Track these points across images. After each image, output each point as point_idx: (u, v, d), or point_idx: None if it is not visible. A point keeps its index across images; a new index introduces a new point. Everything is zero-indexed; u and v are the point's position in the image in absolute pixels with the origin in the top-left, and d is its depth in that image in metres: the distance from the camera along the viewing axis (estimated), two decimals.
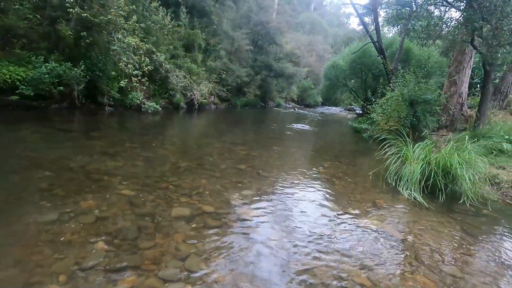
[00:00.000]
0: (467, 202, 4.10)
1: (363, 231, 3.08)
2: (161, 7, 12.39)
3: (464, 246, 3.00)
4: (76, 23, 8.58)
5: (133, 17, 9.79)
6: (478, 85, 11.58)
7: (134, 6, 9.83)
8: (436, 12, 8.43)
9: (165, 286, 1.93)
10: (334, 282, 2.18)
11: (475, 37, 7.10)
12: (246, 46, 20.26)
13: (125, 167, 4.22)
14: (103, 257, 2.12)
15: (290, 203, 3.64)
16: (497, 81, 10.28)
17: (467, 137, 4.99)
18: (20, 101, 7.48)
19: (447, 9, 8.50)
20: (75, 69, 8.36)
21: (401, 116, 8.59)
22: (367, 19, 17.90)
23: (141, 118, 9.77)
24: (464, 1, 7.56)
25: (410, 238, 3.06)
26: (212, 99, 16.37)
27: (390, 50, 15.41)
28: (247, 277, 2.12)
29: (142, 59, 9.82)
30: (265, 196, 3.75)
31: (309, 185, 4.43)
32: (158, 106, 11.20)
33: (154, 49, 11.04)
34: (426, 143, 4.97)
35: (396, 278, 2.33)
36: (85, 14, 8.27)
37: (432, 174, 4.37)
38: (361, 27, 22.04)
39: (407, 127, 7.80)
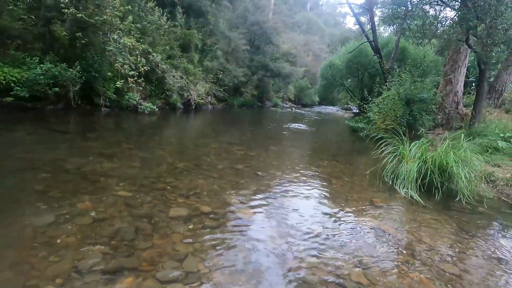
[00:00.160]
0: (463, 200, 4.13)
1: (360, 229, 3.09)
2: (157, 7, 12.33)
3: (460, 244, 3.02)
4: (71, 23, 8.51)
5: (129, 17, 9.74)
6: (473, 84, 11.68)
7: (129, 6, 9.77)
8: (431, 12, 8.48)
9: (163, 287, 1.93)
10: (332, 281, 2.18)
11: (470, 36, 7.16)
12: (242, 46, 20.24)
13: (121, 168, 4.20)
14: (100, 259, 2.11)
15: (288, 203, 3.64)
16: (492, 79, 10.37)
17: (462, 135, 5.03)
18: (15, 103, 7.41)
19: (442, 9, 8.55)
20: (71, 70, 8.29)
21: (398, 115, 8.64)
22: (363, 19, 17.99)
23: (137, 118, 9.73)
24: (459, 1, 7.61)
25: (407, 236, 3.07)
26: (209, 99, 16.33)
27: (386, 49, 15.48)
28: (245, 277, 2.12)
29: (138, 59, 9.77)
30: (262, 196, 3.75)
31: (307, 185, 4.44)
32: (154, 107, 11.16)
33: (150, 50, 10.99)
34: (423, 141, 5.01)
35: (393, 275, 2.34)
36: (80, 15, 8.21)
37: (429, 173, 4.40)
38: (357, 26, 22.15)
39: (403, 126, 7.86)
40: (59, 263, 2.02)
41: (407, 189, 4.31)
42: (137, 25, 10.53)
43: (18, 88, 7.38)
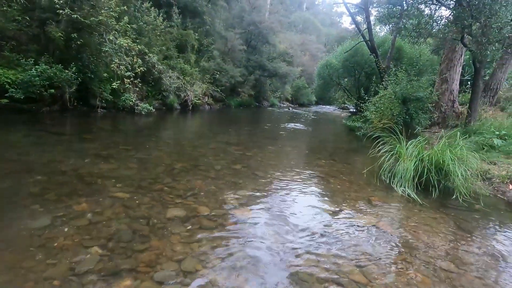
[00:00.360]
0: (460, 198, 4.15)
1: (358, 228, 3.10)
2: (152, 7, 12.29)
3: (457, 241, 3.04)
4: (66, 24, 8.45)
5: (125, 18, 9.68)
6: (469, 82, 11.75)
7: (125, 7, 9.72)
8: (427, 11, 8.52)
9: None
10: (330, 280, 2.19)
11: (465, 35, 7.20)
12: (239, 46, 20.24)
13: (118, 169, 4.18)
14: (97, 261, 2.10)
15: (286, 202, 3.64)
16: (487, 78, 10.44)
17: (458, 133, 5.06)
18: (10, 105, 7.35)
19: (437, 8, 8.60)
20: (66, 71, 8.24)
21: (394, 114, 8.68)
22: (359, 18, 18.05)
23: (134, 119, 9.69)
24: (454, 0, 7.66)
25: (404, 234, 3.09)
26: (206, 100, 16.31)
27: (382, 48, 15.54)
28: (244, 277, 2.12)
29: (135, 60, 9.72)
30: (260, 196, 3.75)
31: (304, 184, 4.44)
32: (151, 108, 11.12)
33: (146, 50, 10.95)
34: (419, 140, 5.03)
35: (392, 274, 2.35)
36: (75, 15, 8.16)
37: (425, 171, 4.42)
38: (353, 26, 22.23)
39: (400, 124, 7.89)
40: (56, 265, 2.01)
41: (404, 187, 4.33)
42: (133, 25, 10.48)
43: (13, 90, 7.32)
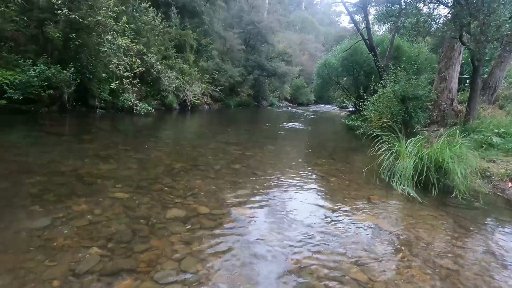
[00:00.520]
0: (459, 196, 4.16)
1: (358, 227, 3.10)
2: (151, 7, 12.27)
3: (457, 239, 3.05)
4: (64, 25, 8.42)
5: (123, 18, 9.67)
6: (468, 81, 11.77)
7: (123, 7, 9.71)
8: (425, 9, 8.53)
9: None
10: (331, 279, 2.19)
11: (464, 33, 7.21)
12: (238, 45, 20.23)
13: (118, 169, 4.17)
14: (97, 262, 2.09)
15: (286, 202, 3.64)
16: (485, 76, 10.45)
17: (457, 132, 5.06)
18: (9, 105, 7.33)
19: (435, 6, 8.59)
20: (65, 71, 8.22)
21: (393, 113, 8.69)
22: (357, 17, 18.03)
23: (133, 120, 9.67)
24: None
25: (404, 232, 3.09)
26: (205, 100, 16.30)
27: (381, 47, 15.57)
28: (244, 276, 2.11)
29: (133, 60, 9.70)
30: (260, 196, 3.75)
31: (304, 183, 4.44)
32: (150, 108, 11.11)
33: (145, 50, 10.93)
34: (418, 138, 5.03)
35: (392, 272, 2.35)
36: (73, 16, 8.14)
37: (425, 169, 4.42)
38: (352, 25, 22.21)
39: (399, 123, 7.90)
40: (56, 266, 2.00)
41: (404, 186, 4.33)
42: (131, 25, 10.45)
43: (12, 90, 7.30)
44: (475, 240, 3.10)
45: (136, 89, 10.67)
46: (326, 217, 3.31)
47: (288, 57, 27.74)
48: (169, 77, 12.66)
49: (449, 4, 7.75)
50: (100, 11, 8.73)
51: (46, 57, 8.29)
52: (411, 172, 4.41)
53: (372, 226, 3.15)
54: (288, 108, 25.57)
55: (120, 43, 9.23)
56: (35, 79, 7.59)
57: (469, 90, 8.72)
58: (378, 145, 5.35)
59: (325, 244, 2.69)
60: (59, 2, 7.98)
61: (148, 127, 9.06)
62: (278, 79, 25.05)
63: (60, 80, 8.14)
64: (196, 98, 14.42)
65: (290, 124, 12.60)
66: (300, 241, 2.70)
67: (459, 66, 9.67)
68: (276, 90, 27.99)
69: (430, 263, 2.53)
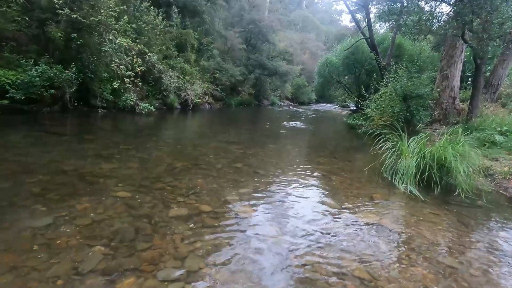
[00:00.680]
0: (462, 194, 4.15)
1: (360, 225, 3.09)
2: (152, 7, 12.27)
3: (460, 237, 3.04)
4: (66, 24, 8.43)
5: (124, 17, 9.67)
6: (470, 79, 11.72)
7: (124, 7, 9.70)
8: (427, 7, 8.49)
9: (165, 286, 1.92)
10: (334, 277, 2.18)
11: (466, 31, 7.17)
12: (239, 45, 20.20)
13: (120, 169, 4.18)
14: (100, 260, 2.10)
15: (288, 200, 3.64)
16: (488, 74, 10.40)
17: (460, 130, 5.04)
18: (11, 105, 7.33)
19: (437, 4, 8.56)
20: (66, 71, 8.23)
21: (395, 111, 8.67)
22: (359, 16, 17.98)
23: (135, 119, 9.68)
24: None
25: (407, 230, 3.08)
26: (206, 99, 16.30)
27: (383, 46, 15.50)
28: (247, 274, 2.11)
29: (135, 60, 9.70)
30: (262, 194, 3.75)
31: (306, 182, 4.44)
32: (152, 107, 11.11)
33: (146, 50, 10.92)
34: (421, 137, 5.01)
35: (395, 270, 2.34)
36: (75, 15, 8.14)
37: (427, 168, 4.41)
38: (353, 23, 22.15)
39: (401, 121, 7.88)
40: (59, 264, 2.01)
41: (406, 184, 4.32)
42: (133, 25, 10.45)
43: (14, 90, 7.31)
44: (478, 238, 3.08)
45: (137, 88, 10.67)
46: (328, 215, 3.30)
47: (289, 56, 27.69)
48: (170, 76, 12.66)
49: (451, 2, 7.71)
50: (102, 11, 8.73)
51: (48, 57, 8.30)
52: (414, 171, 4.40)
53: (375, 224, 3.14)
54: (289, 107, 25.53)
55: (122, 42, 9.23)
56: (37, 79, 7.60)
57: (471, 88, 8.68)
58: (380, 143, 5.34)
59: (327, 242, 2.68)
60: (60, 2, 7.98)
61: (149, 127, 9.06)
62: (279, 78, 25.00)
63: (62, 80, 8.14)
64: (197, 98, 14.41)
65: (292, 123, 12.58)
66: (303, 239, 2.70)
67: (461, 64, 9.63)
68: (277, 89, 27.95)
69: (433, 261, 2.52)
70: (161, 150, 5.78)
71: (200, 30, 16.80)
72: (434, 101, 9.32)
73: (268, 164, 5.36)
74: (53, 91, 8.03)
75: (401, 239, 2.89)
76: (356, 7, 17.65)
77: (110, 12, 8.92)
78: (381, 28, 20.63)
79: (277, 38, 26.22)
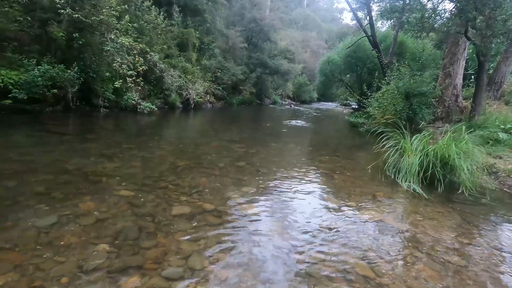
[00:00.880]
0: (466, 192, 4.13)
1: (364, 223, 3.09)
2: (153, 6, 12.27)
3: (464, 235, 3.02)
4: (67, 24, 8.45)
5: (126, 17, 9.68)
6: (473, 76, 11.66)
7: (126, 6, 9.72)
8: (429, 4, 8.45)
9: (169, 285, 1.92)
10: (338, 275, 2.18)
11: (469, 28, 7.12)
12: (240, 43, 20.19)
13: (123, 168, 4.19)
14: (104, 259, 2.10)
15: (291, 198, 3.63)
16: (491, 71, 10.33)
17: (464, 127, 5.01)
18: (13, 105, 7.37)
19: (440, 1, 8.51)
20: (68, 71, 8.25)
21: (397, 109, 8.63)
22: (360, 14, 17.86)
23: (137, 118, 9.70)
24: None
25: (411, 228, 3.07)
26: (208, 98, 16.30)
27: (385, 43, 15.43)
28: (251, 272, 2.11)
29: (136, 59, 9.72)
30: (265, 192, 3.74)
31: (309, 180, 4.43)
32: (154, 106, 11.13)
33: (148, 49, 10.95)
34: (424, 134, 4.99)
35: (399, 268, 2.34)
36: (76, 15, 8.16)
37: (431, 165, 4.39)
38: (354, 22, 22.01)
39: (403, 119, 7.85)
40: (64, 263, 2.02)
41: (410, 182, 4.30)
42: (134, 24, 10.47)
43: (16, 90, 7.34)
44: (482, 236, 3.07)
45: (139, 88, 10.68)
46: (332, 213, 3.30)
47: (291, 54, 27.64)
48: (172, 75, 12.68)
49: None
50: (103, 10, 8.75)
51: (50, 57, 8.32)
52: (417, 169, 4.38)
53: (379, 222, 3.13)
54: (291, 106, 25.49)
55: (123, 42, 9.24)
56: (40, 78, 7.63)
57: (474, 86, 8.63)
58: (383, 141, 5.32)
59: (331, 240, 2.68)
60: (62, 1, 8.00)
61: (151, 126, 9.08)
62: (281, 77, 24.98)
63: (64, 80, 8.17)
64: (199, 97, 14.42)
65: (293, 122, 12.56)
66: (306, 237, 2.69)
67: (464, 61, 9.57)
68: (278, 88, 27.91)
69: (437, 259, 2.51)
70: (164, 149, 5.79)
71: (201, 29, 16.79)
72: (437, 99, 9.27)
73: (271, 163, 5.35)
74: (55, 90, 8.06)
75: (405, 237, 2.89)
76: (357, 5, 17.56)
77: (112, 12, 8.94)
78: (383, 26, 20.52)
79: (279, 36, 26.17)
